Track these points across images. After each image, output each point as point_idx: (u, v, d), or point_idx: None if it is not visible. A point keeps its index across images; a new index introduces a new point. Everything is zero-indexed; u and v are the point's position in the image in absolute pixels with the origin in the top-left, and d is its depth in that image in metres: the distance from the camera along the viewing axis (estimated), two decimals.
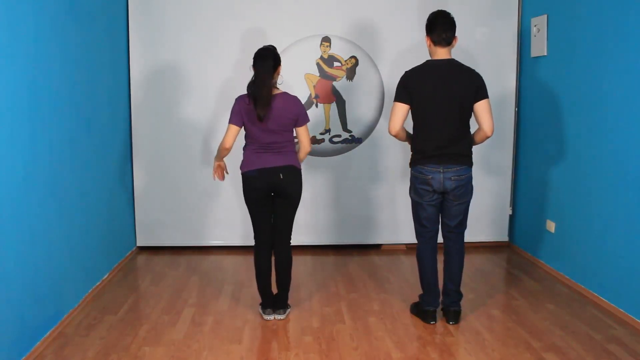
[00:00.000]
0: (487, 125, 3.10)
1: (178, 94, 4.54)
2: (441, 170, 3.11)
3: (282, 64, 3.24)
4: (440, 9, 3.19)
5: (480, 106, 3.09)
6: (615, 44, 3.41)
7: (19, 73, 2.81)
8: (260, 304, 3.44)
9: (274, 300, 3.42)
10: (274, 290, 3.44)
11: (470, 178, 3.20)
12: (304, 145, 3.32)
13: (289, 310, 3.45)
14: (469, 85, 3.08)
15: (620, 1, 3.37)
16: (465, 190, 3.18)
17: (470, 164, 3.19)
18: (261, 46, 3.24)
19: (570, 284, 3.88)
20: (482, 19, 4.55)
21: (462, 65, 3.14)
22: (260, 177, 3.20)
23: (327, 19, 4.52)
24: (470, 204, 3.32)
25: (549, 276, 4.09)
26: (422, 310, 3.34)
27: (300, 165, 3.32)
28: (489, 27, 4.56)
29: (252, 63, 3.18)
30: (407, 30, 4.51)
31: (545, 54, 4.21)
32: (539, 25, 4.27)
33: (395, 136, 3.22)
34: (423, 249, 3.31)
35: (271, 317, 3.37)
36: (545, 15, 4.18)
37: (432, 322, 3.29)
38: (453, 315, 3.29)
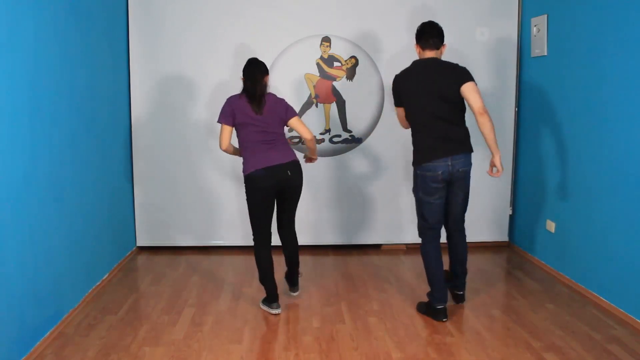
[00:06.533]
0: (476, 105, 3.09)
1: (178, 94, 4.54)
2: (449, 163, 3.16)
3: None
4: (429, 17, 3.37)
5: (466, 88, 3.13)
6: (615, 44, 3.41)
7: (19, 73, 2.81)
8: (266, 300, 3.47)
9: (287, 279, 3.66)
10: (279, 281, 3.52)
11: (471, 164, 3.31)
12: (305, 136, 3.36)
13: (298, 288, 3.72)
14: (451, 77, 3.16)
15: (620, 1, 3.37)
16: (468, 176, 3.31)
17: (471, 150, 3.29)
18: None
19: (570, 284, 3.88)
20: (482, 19, 4.55)
21: (446, 61, 3.25)
22: (268, 176, 3.23)
23: (327, 19, 4.52)
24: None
25: (549, 276, 4.09)
26: (433, 309, 3.34)
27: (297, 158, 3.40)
28: (489, 27, 4.56)
29: (242, 73, 3.34)
30: (407, 30, 4.49)
31: (545, 54, 4.21)
32: (539, 25, 4.27)
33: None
34: (428, 247, 3.34)
35: (279, 310, 3.42)
36: (545, 15, 4.18)
37: (444, 320, 3.30)
38: (461, 298, 3.52)
